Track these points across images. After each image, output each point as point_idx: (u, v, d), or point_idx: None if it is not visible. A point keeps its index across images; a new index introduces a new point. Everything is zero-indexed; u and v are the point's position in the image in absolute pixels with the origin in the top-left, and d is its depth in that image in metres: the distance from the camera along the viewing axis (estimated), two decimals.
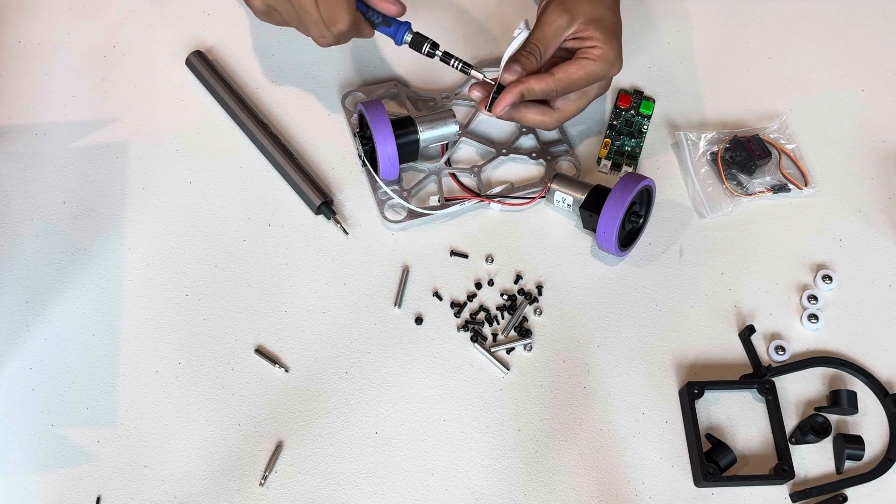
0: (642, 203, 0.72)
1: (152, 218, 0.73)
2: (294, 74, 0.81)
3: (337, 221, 0.73)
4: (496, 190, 0.75)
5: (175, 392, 0.68)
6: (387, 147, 0.71)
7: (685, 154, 0.77)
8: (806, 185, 0.76)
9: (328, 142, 0.78)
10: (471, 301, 0.72)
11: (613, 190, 0.69)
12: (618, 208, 0.68)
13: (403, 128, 0.73)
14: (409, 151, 0.74)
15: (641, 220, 0.72)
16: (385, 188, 0.73)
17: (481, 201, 0.74)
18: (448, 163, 0.76)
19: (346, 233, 0.74)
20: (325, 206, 0.74)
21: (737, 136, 0.77)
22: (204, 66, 0.80)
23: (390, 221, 0.73)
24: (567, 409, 0.68)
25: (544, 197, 0.74)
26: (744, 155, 0.76)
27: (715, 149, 0.77)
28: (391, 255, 0.73)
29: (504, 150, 0.77)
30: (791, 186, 0.76)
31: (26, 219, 0.74)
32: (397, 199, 0.73)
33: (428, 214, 0.73)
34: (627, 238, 0.72)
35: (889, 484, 0.65)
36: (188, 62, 0.80)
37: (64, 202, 0.75)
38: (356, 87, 0.80)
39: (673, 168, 0.78)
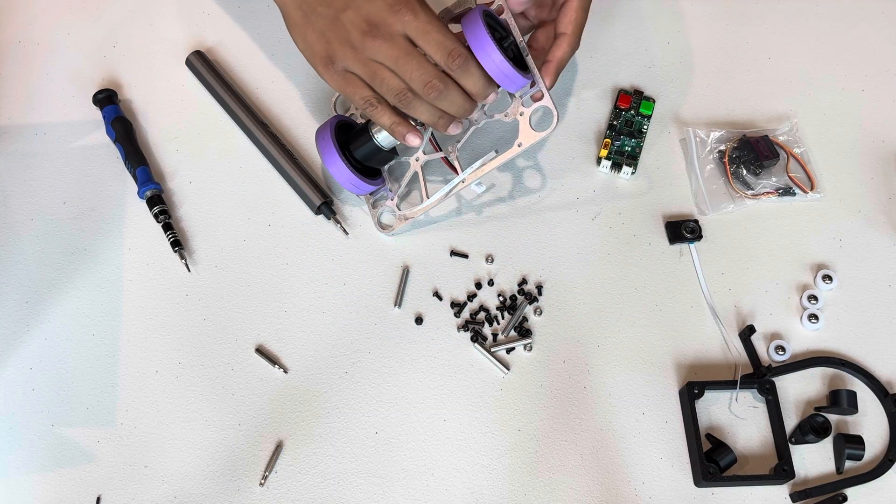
0: (497, 26, 0.67)
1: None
2: (294, 74, 0.81)
3: (337, 221, 0.73)
4: (477, 164, 0.69)
5: (175, 392, 0.68)
6: (336, 167, 0.69)
7: (692, 150, 0.77)
8: (812, 189, 0.76)
9: None
10: (471, 301, 0.72)
11: (466, 33, 0.63)
12: (482, 38, 0.62)
13: (356, 138, 0.70)
14: (378, 157, 0.70)
15: (510, 38, 0.66)
16: (368, 205, 0.72)
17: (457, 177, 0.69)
18: (437, 148, 0.73)
19: (346, 233, 0.74)
20: (325, 206, 0.74)
21: (746, 136, 0.77)
22: (204, 66, 0.80)
23: (384, 230, 0.73)
24: (567, 409, 0.68)
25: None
26: (751, 155, 0.76)
27: (723, 147, 0.77)
28: (391, 254, 0.73)
29: (475, 119, 0.72)
30: (796, 190, 0.76)
31: (26, 219, 0.74)
32: (386, 209, 0.73)
33: (414, 216, 0.72)
34: (518, 61, 0.66)
35: (889, 484, 0.65)
36: (188, 62, 0.80)
37: (64, 202, 0.75)
38: None
39: (675, 166, 0.78)
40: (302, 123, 0.79)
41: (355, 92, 0.65)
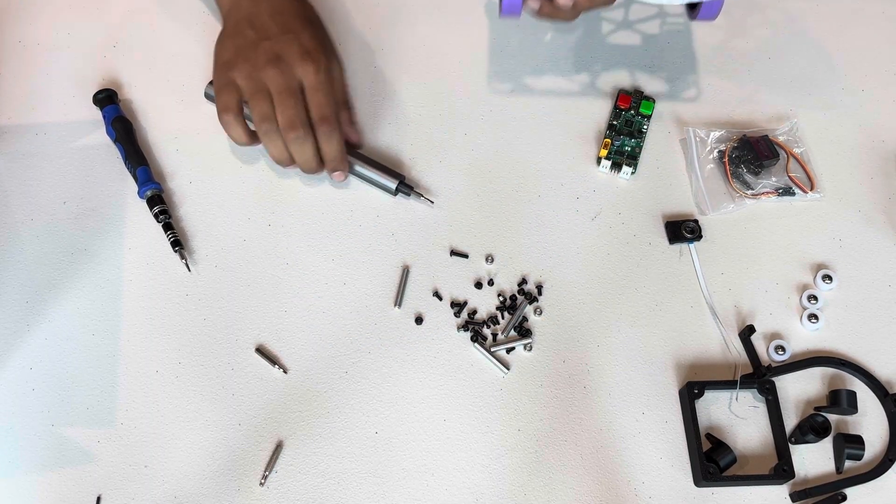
0: None
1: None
2: None
3: (419, 194, 0.74)
4: None
5: (175, 392, 0.68)
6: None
7: (692, 150, 0.77)
8: (812, 189, 0.76)
9: None
10: (471, 301, 0.72)
11: None
12: None
13: None
14: None
15: None
16: None
17: None
18: None
19: (432, 202, 0.75)
20: (402, 184, 0.74)
21: (745, 136, 0.77)
22: None
23: None
24: (567, 409, 0.68)
25: None
26: (751, 154, 0.76)
27: (723, 147, 0.77)
28: (391, 255, 0.73)
29: None
30: (796, 190, 0.76)
31: (26, 219, 0.74)
32: None
33: None
34: None
35: (889, 484, 0.65)
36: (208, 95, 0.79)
37: (64, 202, 0.75)
38: None
39: (675, 166, 0.78)
40: None
41: (228, 99, 0.71)
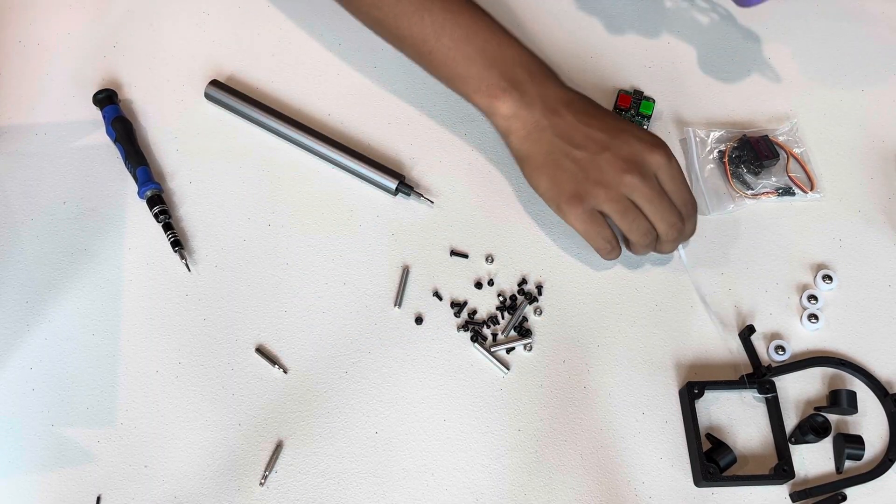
0: None
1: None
2: (299, 69, 0.81)
3: (419, 194, 0.74)
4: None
5: (175, 392, 0.68)
6: None
7: (692, 150, 0.77)
8: (812, 189, 0.76)
9: None
10: (471, 301, 0.72)
11: None
12: None
13: None
14: None
15: None
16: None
17: None
18: None
19: (432, 202, 0.74)
20: (402, 184, 0.74)
21: (745, 136, 0.77)
22: (227, 93, 0.78)
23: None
24: (567, 409, 0.68)
25: None
26: (751, 154, 0.76)
27: (723, 147, 0.77)
28: (391, 255, 0.73)
29: None
30: (796, 190, 0.76)
31: (26, 219, 0.74)
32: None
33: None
34: None
35: (889, 484, 0.65)
36: (208, 95, 0.78)
37: (64, 202, 0.75)
38: None
39: None
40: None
41: (598, 231, 0.68)
